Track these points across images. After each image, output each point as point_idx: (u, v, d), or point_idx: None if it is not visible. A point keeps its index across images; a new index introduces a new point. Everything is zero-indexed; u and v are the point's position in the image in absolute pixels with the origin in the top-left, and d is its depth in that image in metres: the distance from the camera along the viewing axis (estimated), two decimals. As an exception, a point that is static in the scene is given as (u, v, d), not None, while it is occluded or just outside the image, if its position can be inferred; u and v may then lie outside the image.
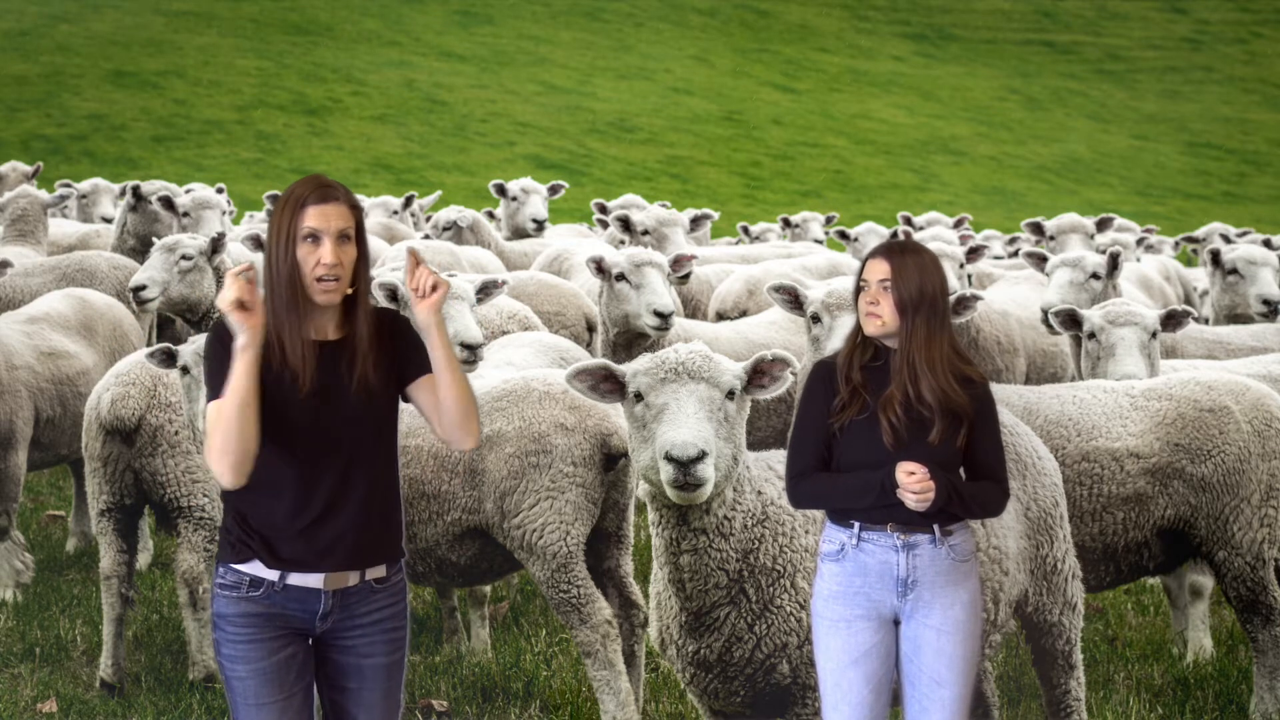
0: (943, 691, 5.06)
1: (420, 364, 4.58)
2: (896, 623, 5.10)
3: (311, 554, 4.52)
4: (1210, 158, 52.29)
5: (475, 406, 4.57)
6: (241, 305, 4.39)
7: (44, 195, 13.30)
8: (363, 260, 4.55)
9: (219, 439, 4.40)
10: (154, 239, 9.95)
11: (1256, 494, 7.14)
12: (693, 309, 12.17)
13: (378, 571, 4.62)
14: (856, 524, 5.06)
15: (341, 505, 4.53)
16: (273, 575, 4.53)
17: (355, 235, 4.53)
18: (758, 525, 5.43)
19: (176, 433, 7.88)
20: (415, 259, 4.54)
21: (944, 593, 5.06)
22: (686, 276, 9.92)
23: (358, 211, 4.56)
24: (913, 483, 4.90)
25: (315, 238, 4.49)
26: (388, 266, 10.03)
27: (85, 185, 16.94)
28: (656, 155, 46.29)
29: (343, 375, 4.52)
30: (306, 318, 4.51)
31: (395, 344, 4.59)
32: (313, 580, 4.53)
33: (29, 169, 17.45)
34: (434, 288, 4.52)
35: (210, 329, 4.60)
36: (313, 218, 4.48)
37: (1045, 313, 8.80)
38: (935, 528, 5.05)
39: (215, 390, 4.47)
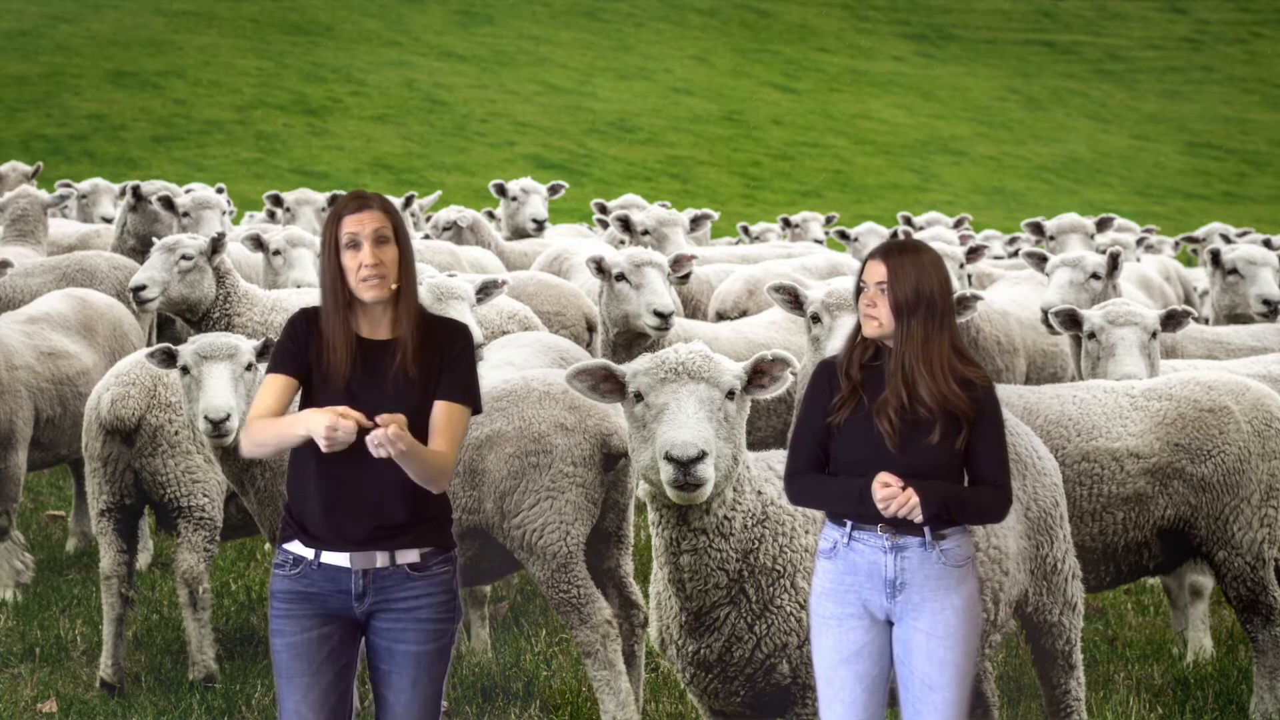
0: (934, 695, 5.04)
1: (447, 389, 4.93)
2: (891, 623, 5.10)
3: (334, 532, 4.91)
4: (1210, 158, 52.24)
5: (444, 479, 4.90)
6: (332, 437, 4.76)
7: (44, 195, 13.29)
8: (405, 259, 4.96)
9: (262, 433, 4.87)
10: (154, 239, 9.94)
11: (1256, 494, 7.14)
12: (693, 309, 12.16)
13: (409, 556, 4.94)
14: (849, 523, 5.07)
15: (363, 489, 4.89)
16: (309, 553, 4.94)
17: (395, 236, 4.96)
18: (758, 525, 5.43)
19: (176, 433, 7.88)
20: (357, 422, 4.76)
21: (934, 596, 5.04)
22: (686, 276, 9.91)
23: (393, 215, 4.99)
24: (886, 495, 4.89)
25: (355, 243, 4.91)
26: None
27: (85, 185, 16.92)
28: (656, 155, 46.25)
29: (384, 368, 4.93)
30: (354, 317, 4.96)
31: (442, 353, 4.96)
32: (341, 559, 4.91)
33: (29, 169, 17.43)
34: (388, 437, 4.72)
35: (295, 314, 5.04)
36: (350, 224, 4.94)
37: (1045, 313, 8.79)
38: (926, 531, 5.03)
39: (274, 365, 4.96)
